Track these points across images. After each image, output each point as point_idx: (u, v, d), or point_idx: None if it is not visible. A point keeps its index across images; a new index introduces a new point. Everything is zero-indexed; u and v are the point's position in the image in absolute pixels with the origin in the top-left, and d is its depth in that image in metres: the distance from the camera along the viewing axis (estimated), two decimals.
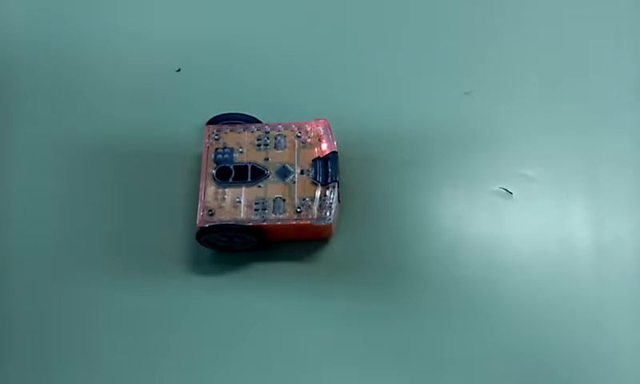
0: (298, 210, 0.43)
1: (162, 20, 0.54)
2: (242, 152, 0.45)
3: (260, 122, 0.47)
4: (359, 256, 0.45)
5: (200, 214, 0.43)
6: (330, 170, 0.44)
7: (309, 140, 0.45)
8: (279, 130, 0.46)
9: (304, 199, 0.43)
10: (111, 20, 0.54)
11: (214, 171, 0.44)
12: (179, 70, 0.51)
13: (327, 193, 0.43)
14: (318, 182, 0.44)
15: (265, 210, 0.43)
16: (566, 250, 0.45)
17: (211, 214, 0.43)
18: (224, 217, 0.43)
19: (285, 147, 0.45)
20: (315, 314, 0.44)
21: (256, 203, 0.43)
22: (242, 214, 0.43)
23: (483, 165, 0.48)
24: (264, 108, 0.47)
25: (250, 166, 0.44)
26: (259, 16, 0.54)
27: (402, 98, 0.50)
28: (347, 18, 0.53)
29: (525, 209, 0.46)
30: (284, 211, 0.43)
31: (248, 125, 0.46)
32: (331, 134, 0.45)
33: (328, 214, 0.43)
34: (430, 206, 0.47)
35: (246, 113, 0.47)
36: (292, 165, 0.44)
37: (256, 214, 0.43)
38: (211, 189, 0.44)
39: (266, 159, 0.45)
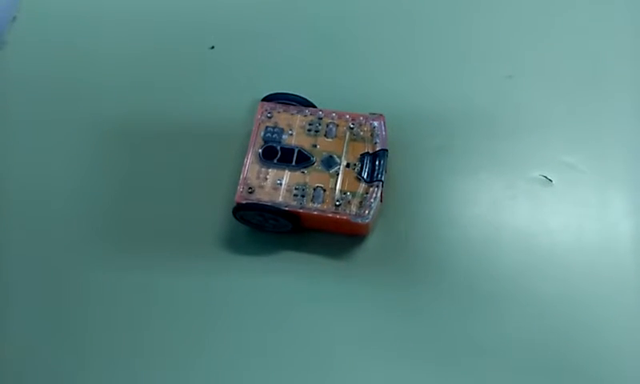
0: (337, 203, 0.42)
1: None
2: (291, 134, 0.44)
3: (315, 107, 0.46)
4: (394, 240, 0.44)
5: (240, 189, 0.43)
6: (377, 168, 0.43)
7: (361, 133, 0.44)
8: (332, 118, 0.45)
9: (345, 193, 0.42)
10: None
11: (260, 150, 0.44)
12: (213, 47, 0.51)
13: (370, 191, 0.42)
14: (362, 178, 0.42)
15: (304, 197, 0.42)
16: (606, 240, 0.44)
17: (250, 192, 0.43)
18: (262, 197, 0.42)
19: (335, 136, 0.44)
20: (344, 302, 0.43)
21: (296, 189, 0.43)
22: (280, 197, 0.42)
23: (523, 151, 0.46)
24: (320, 92, 0.47)
25: (296, 150, 0.44)
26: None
27: (441, 81, 0.49)
28: (390, 2, 0.52)
29: (565, 197, 0.45)
30: (322, 202, 0.42)
31: (302, 108, 0.45)
32: (385, 131, 0.44)
33: (367, 212, 0.42)
34: (467, 192, 0.46)
35: (302, 95, 0.46)
36: (339, 156, 0.43)
37: (294, 200, 0.42)
38: (255, 166, 0.43)
39: (314, 146, 0.44)
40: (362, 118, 0.44)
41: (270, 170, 0.43)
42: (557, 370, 0.41)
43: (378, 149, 0.43)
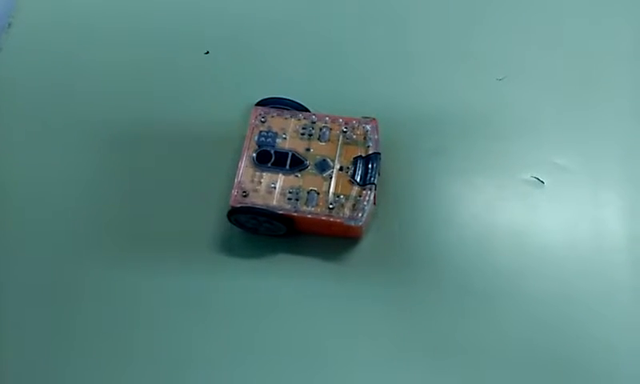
0: (331, 206, 0.42)
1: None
2: (285, 138, 0.45)
3: (308, 111, 0.46)
4: (388, 242, 0.45)
5: (234, 193, 0.43)
6: (369, 172, 0.43)
7: (354, 137, 0.44)
8: (326, 122, 0.45)
9: (338, 196, 0.43)
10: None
11: (254, 154, 0.44)
12: (207, 52, 0.51)
13: (363, 194, 0.42)
14: (355, 181, 0.43)
15: (297, 200, 0.43)
16: (598, 240, 0.44)
17: (245, 196, 0.43)
18: (257, 200, 0.43)
19: (328, 140, 0.44)
20: (339, 303, 0.43)
21: (290, 192, 0.43)
22: (274, 200, 0.43)
23: (515, 152, 0.47)
24: (314, 96, 0.47)
25: (290, 154, 0.44)
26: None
27: (433, 85, 0.50)
28: (381, 7, 0.53)
29: (556, 198, 0.46)
30: (316, 205, 0.43)
31: (295, 112, 0.46)
32: (378, 135, 0.44)
33: (360, 215, 0.42)
34: (460, 193, 0.46)
35: (295, 100, 0.46)
36: (332, 159, 0.44)
37: (288, 203, 0.43)
38: (249, 170, 0.44)
39: (308, 149, 0.44)
40: (354, 122, 0.45)
41: (264, 174, 0.44)
42: (551, 366, 0.41)
43: (370, 152, 0.44)
